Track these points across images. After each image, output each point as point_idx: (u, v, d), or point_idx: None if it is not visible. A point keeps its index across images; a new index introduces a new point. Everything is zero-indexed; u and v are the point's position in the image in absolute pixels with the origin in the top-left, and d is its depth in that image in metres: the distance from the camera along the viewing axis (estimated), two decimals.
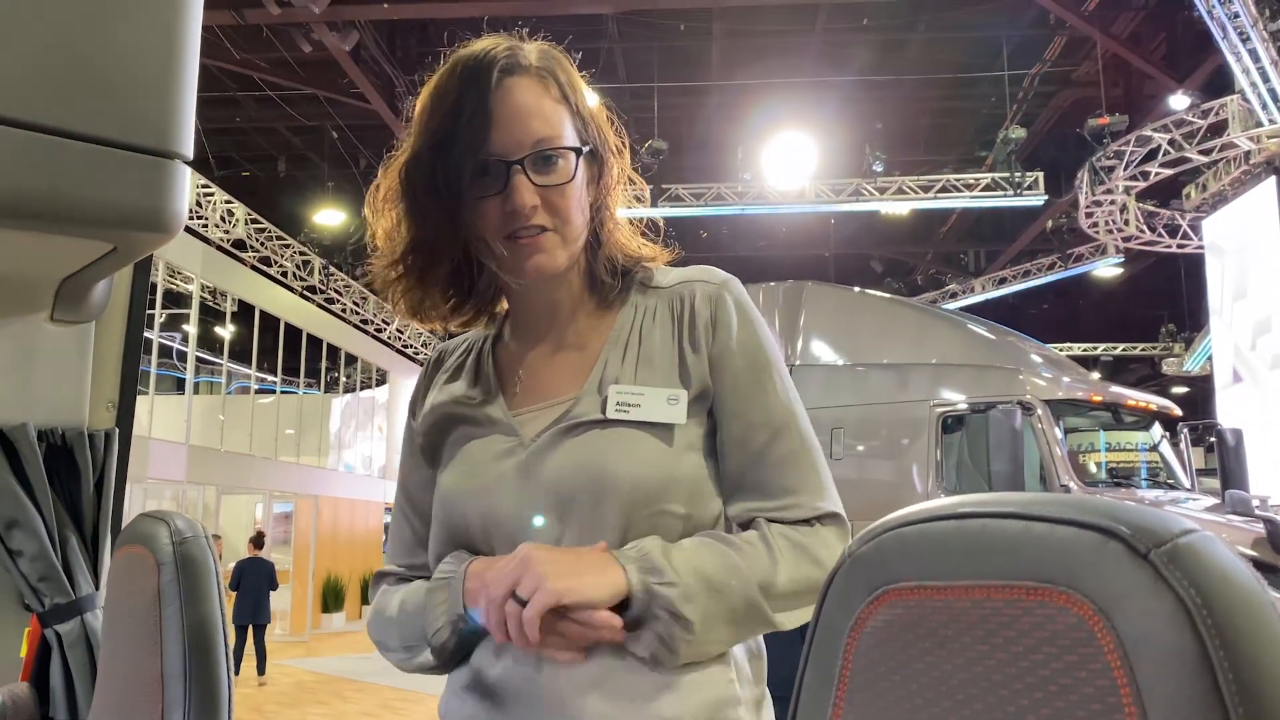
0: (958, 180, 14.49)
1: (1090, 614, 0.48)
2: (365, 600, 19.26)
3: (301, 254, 17.17)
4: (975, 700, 0.52)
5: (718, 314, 1.07)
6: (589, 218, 1.09)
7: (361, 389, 21.32)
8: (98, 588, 1.63)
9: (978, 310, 16.44)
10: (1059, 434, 6.88)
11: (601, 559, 0.96)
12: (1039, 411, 6.84)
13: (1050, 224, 17.13)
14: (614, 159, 1.12)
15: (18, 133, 1.14)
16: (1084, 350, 21.95)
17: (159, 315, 15.18)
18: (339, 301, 18.65)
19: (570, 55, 1.11)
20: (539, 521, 1.01)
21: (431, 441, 1.15)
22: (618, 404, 1.03)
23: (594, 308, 1.13)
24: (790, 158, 13.62)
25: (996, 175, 14.24)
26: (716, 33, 13.80)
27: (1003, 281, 18.94)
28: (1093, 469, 7.31)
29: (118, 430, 1.68)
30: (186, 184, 1.34)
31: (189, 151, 1.36)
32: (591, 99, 1.12)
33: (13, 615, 1.62)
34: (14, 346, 1.59)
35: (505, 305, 1.19)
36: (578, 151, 1.06)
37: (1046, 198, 14.47)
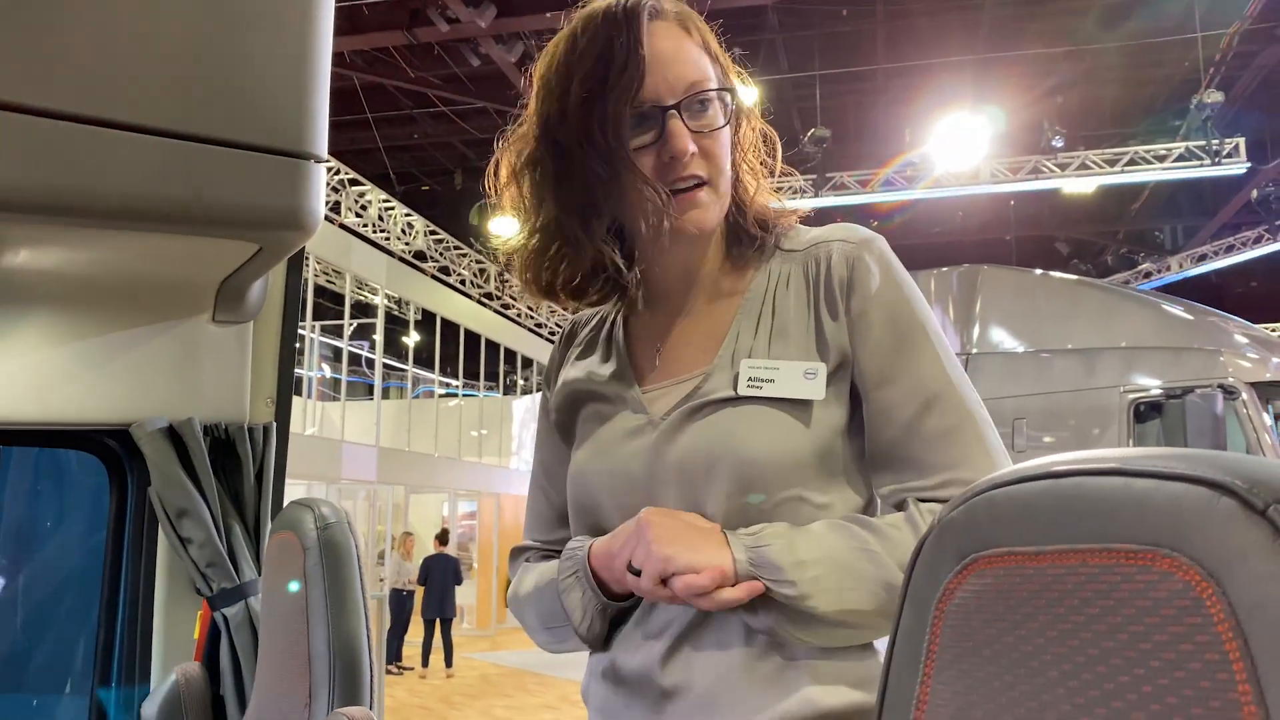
0: (1147, 152, 13.58)
1: (1198, 579, 0.43)
2: None
3: (478, 262, 17.79)
4: (1070, 678, 0.47)
5: (855, 274, 0.98)
6: (731, 172, 1.04)
7: (538, 391, 21.91)
8: (260, 573, 1.72)
9: (1176, 290, 15.37)
10: (1268, 420, 6.33)
11: (715, 535, 0.92)
12: (1243, 395, 6.31)
13: (1256, 194, 15.82)
14: (746, 113, 1.07)
15: (161, 141, 1.21)
16: None
17: (348, 325, 16.06)
18: (514, 307, 19.23)
19: (730, 51, 1.07)
20: (667, 507, 0.98)
21: (564, 418, 1.13)
22: (750, 379, 0.97)
23: (730, 270, 1.07)
24: (961, 138, 13.10)
25: (1191, 144, 13.27)
26: (880, 15, 13.45)
27: (1203, 258, 17.64)
28: None
29: (276, 424, 1.77)
30: (322, 183, 1.39)
31: (323, 151, 1.42)
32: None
33: (187, 599, 1.74)
34: (181, 347, 1.70)
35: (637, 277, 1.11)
36: (729, 93, 1.02)
37: (1250, 165, 13.35)
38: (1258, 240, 16.64)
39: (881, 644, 0.96)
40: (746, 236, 1.05)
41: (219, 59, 1.25)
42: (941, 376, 0.96)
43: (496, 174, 1.10)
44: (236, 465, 1.70)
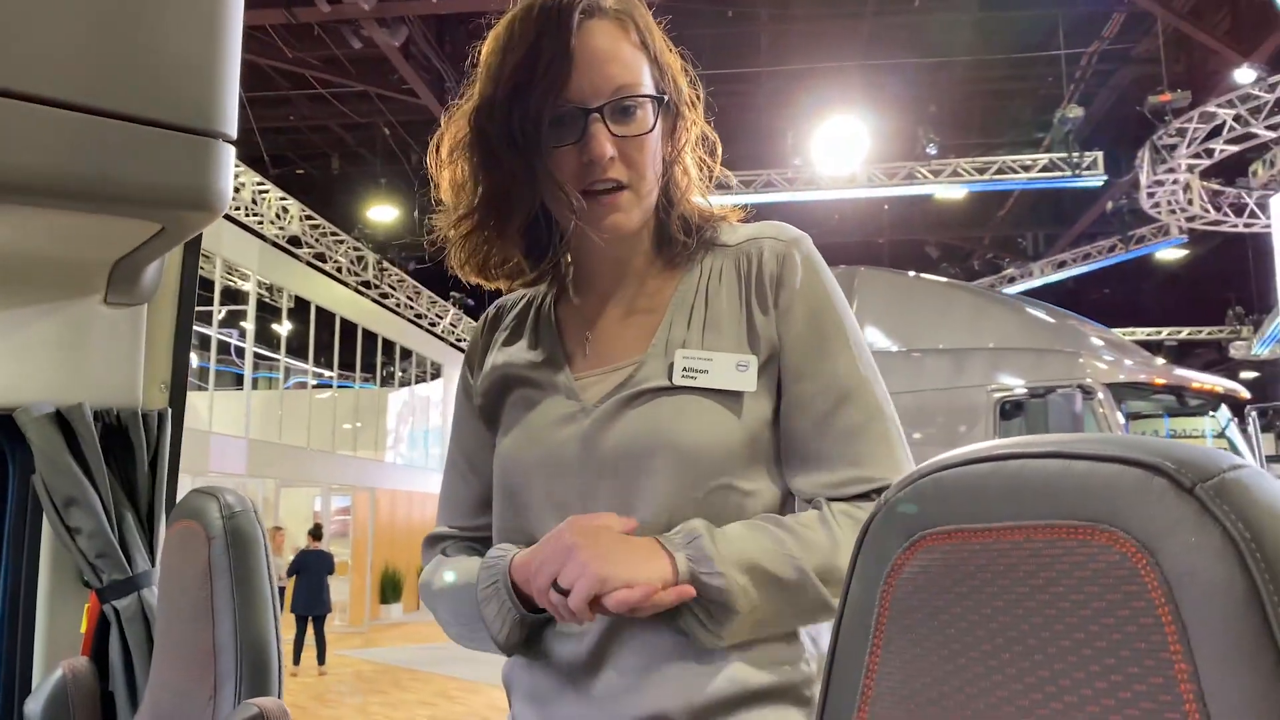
0: (1014, 162, 14.23)
1: (1133, 551, 0.47)
2: None
3: (355, 249, 17.40)
4: (1015, 643, 0.50)
5: (784, 271, 1.01)
6: (660, 173, 1.04)
7: (417, 383, 21.56)
8: (153, 564, 1.67)
9: (1036, 295, 16.12)
10: (1121, 419, 6.72)
11: (649, 547, 0.92)
12: (1100, 395, 6.70)
13: (1110, 205, 16.74)
14: (689, 112, 1.06)
15: (64, 114, 1.16)
16: (1147, 335, 21.45)
17: (217, 312, 15.49)
18: (393, 296, 18.88)
19: None
20: (599, 495, 0.98)
21: (490, 403, 1.12)
22: (685, 369, 0.98)
23: (662, 267, 1.08)
24: (841, 142, 13.47)
25: (1054, 156, 13.96)
26: (764, 18, 13.70)
27: (1062, 265, 18.57)
28: None
29: (170, 410, 1.71)
30: (230, 163, 1.36)
31: (233, 131, 1.38)
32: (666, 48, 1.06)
33: (73, 592, 1.67)
34: (70, 329, 1.62)
35: (568, 261, 1.12)
36: (657, 101, 1.01)
37: (1106, 178, 14.15)
38: (1111, 249, 17.62)
39: (805, 629, 1.00)
40: (676, 234, 1.06)
41: (127, 32, 1.21)
42: (856, 375, 0.99)
43: (439, 150, 1.08)
44: (129, 453, 1.63)
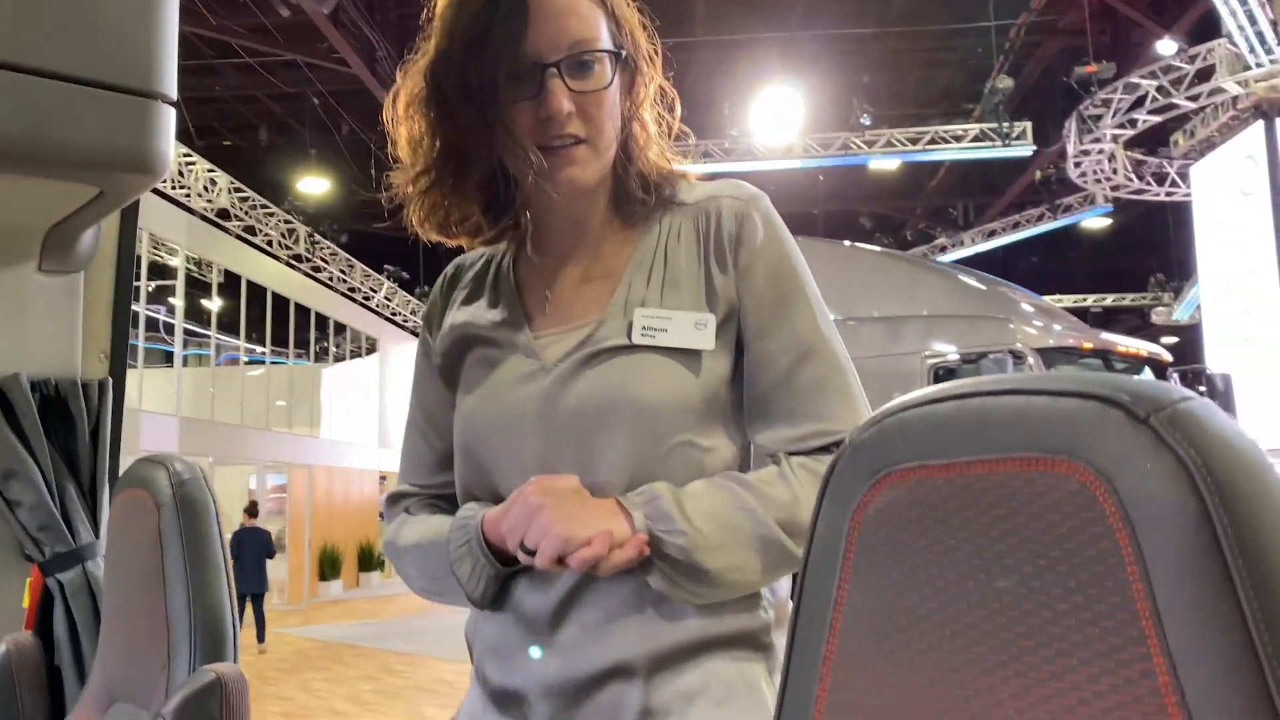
0: (945, 132, 14.44)
1: (1092, 479, 0.49)
2: (362, 568, 19.35)
3: (286, 222, 17.06)
4: (979, 571, 0.52)
5: (743, 230, 1.01)
6: (619, 128, 1.04)
7: (351, 358, 21.27)
8: (98, 537, 1.63)
9: (968, 264, 16.42)
10: None
11: (608, 507, 0.94)
12: (1030, 360, 6.87)
13: (1039, 175, 17.10)
14: (647, 67, 1.06)
15: None
16: (1074, 302, 21.99)
17: (145, 287, 15.10)
18: (326, 270, 18.56)
19: None
20: (560, 453, 0.99)
21: (449, 363, 1.11)
22: (644, 328, 0.99)
23: (620, 225, 1.07)
24: (777, 113, 13.53)
25: (984, 126, 14.19)
26: None
27: (992, 234, 18.94)
28: None
29: (111, 380, 1.67)
30: (171, 125, 1.33)
31: (172, 92, 1.35)
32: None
33: (14, 566, 1.63)
34: (3, 298, 1.58)
35: (527, 220, 1.11)
36: (615, 56, 1.00)
37: (1035, 148, 14.44)
38: (1040, 218, 18.01)
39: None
40: (635, 191, 1.06)
41: None
42: (816, 331, 1.01)
43: (395, 105, 1.06)
44: (69, 424, 1.59)
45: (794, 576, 0.64)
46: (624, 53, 1.02)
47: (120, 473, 1.55)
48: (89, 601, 1.57)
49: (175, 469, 1.29)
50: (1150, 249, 20.62)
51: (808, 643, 0.61)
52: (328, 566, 17.74)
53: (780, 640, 1.00)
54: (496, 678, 1.02)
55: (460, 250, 1.18)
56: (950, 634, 0.53)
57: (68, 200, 1.39)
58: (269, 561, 11.64)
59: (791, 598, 0.65)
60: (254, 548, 11.26)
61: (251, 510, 12.20)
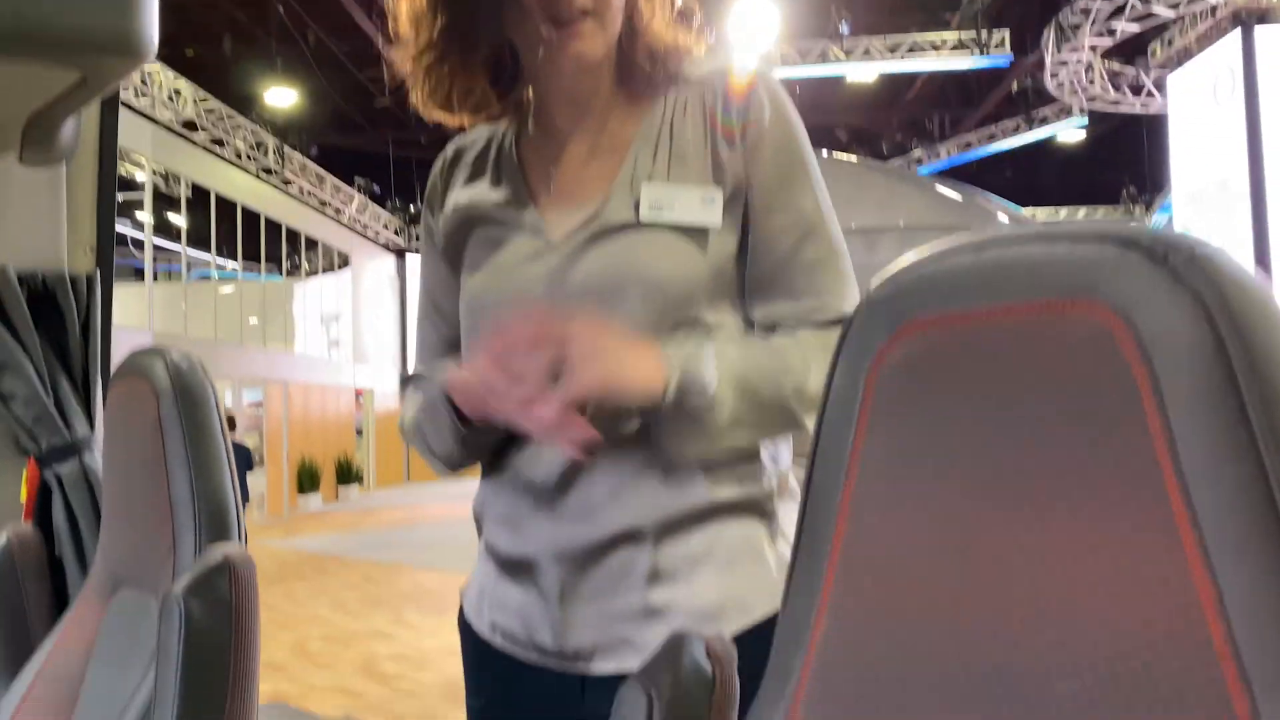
0: (923, 41, 14.26)
1: (1110, 317, 0.50)
2: (341, 480, 19.47)
3: (254, 134, 16.70)
4: (1000, 411, 0.54)
5: (750, 106, 1.01)
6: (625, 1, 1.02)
7: (324, 273, 21.06)
8: (93, 430, 1.63)
9: (943, 176, 16.40)
10: None
11: (650, 360, 0.92)
12: None
13: (1016, 86, 16.98)
14: None
15: None
16: (1047, 216, 22.04)
17: None
18: (295, 183, 18.24)
19: None
20: None
21: (454, 244, 1.10)
22: (650, 204, 0.98)
23: (625, 100, 1.06)
24: (754, 21, 13.28)
25: (963, 35, 14.02)
26: None
27: (968, 146, 18.86)
28: None
29: (99, 272, 1.66)
30: (155, 6, 1.29)
31: None
32: None
33: (10, 458, 1.63)
34: None
35: (529, 97, 1.10)
36: None
37: (1013, 57, 14.31)
38: (1015, 130, 17.92)
39: (765, 451, 1.04)
40: (641, 64, 1.05)
41: None
42: (818, 211, 1.02)
43: None
44: (59, 318, 1.58)
45: (814, 431, 0.65)
46: None
47: (112, 368, 1.54)
48: (87, 493, 1.57)
49: (172, 359, 1.29)
50: (1124, 163, 20.62)
51: (825, 487, 0.63)
52: (306, 480, 17.83)
53: (782, 508, 1.03)
54: (507, 546, 1.05)
55: (439, 152, 1.17)
56: (967, 472, 0.55)
57: (47, 86, 1.35)
58: (248, 475, 11.69)
59: (808, 453, 0.66)
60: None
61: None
